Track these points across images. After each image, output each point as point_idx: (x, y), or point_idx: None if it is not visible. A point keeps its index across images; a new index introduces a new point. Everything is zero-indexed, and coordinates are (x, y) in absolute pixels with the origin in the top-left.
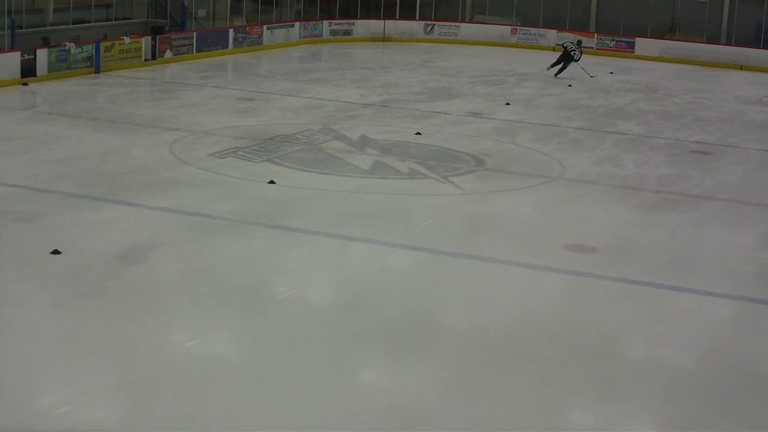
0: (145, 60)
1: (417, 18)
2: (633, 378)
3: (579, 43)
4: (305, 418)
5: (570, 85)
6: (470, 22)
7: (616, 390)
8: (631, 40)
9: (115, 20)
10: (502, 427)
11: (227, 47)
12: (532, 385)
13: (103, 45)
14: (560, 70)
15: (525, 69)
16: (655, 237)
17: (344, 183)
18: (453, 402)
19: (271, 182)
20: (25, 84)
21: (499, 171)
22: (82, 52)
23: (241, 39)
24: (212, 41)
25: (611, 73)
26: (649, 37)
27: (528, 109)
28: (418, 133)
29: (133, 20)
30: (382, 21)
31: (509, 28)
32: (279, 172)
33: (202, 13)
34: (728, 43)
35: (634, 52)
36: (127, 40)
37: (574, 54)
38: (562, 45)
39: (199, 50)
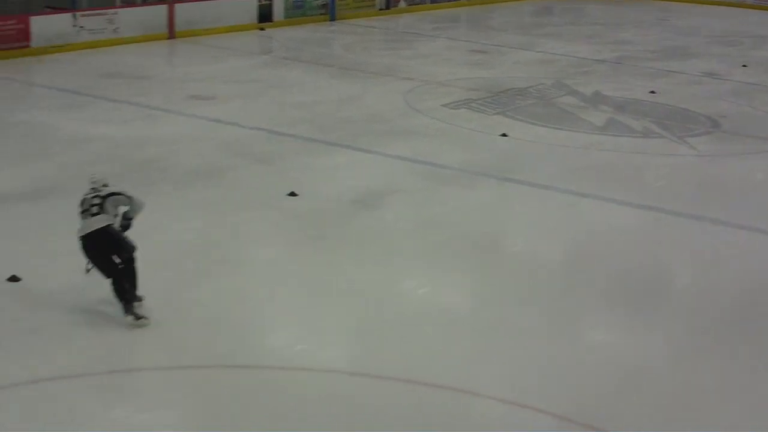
0: (379, 9)
1: None
2: None
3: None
4: (532, 370)
5: None
6: None
7: None
8: None
9: None
10: (725, 393)
11: None
12: (761, 350)
13: None
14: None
15: (762, 31)
16: None
17: (576, 139)
18: (680, 365)
19: (504, 135)
20: (261, 29)
21: (736, 134)
22: None
23: None
24: None
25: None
26: None
27: (766, 72)
28: (653, 92)
29: None
30: None
31: None
32: (511, 125)
33: None
34: None
35: None
36: None
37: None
38: None
39: (433, 1)
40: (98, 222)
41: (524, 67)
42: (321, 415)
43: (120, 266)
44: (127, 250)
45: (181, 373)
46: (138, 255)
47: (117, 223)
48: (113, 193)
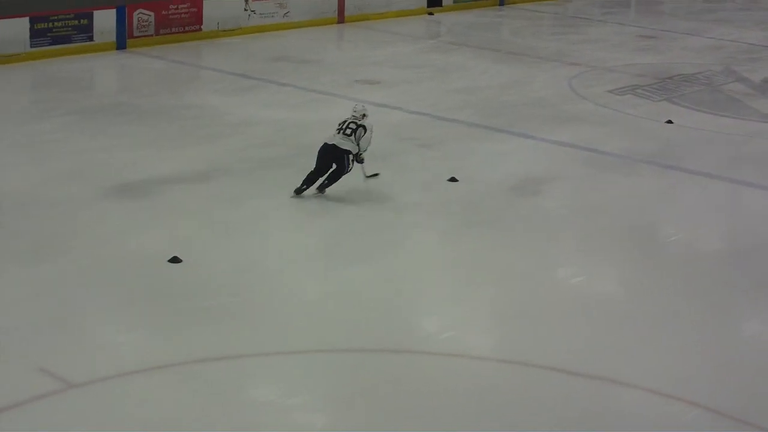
0: None
1: None
2: None
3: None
4: (687, 363)
5: None
6: None
7: None
8: None
9: None
10: None
11: None
12: None
13: None
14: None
15: None
16: None
17: (743, 126)
18: None
19: (669, 122)
20: (430, 14)
21: None
22: None
23: None
24: None
25: None
26: None
27: None
28: None
29: None
30: None
31: None
32: (677, 111)
33: None
34: None
35: None
36: None
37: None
38: None
39: None
40: (343, 144)
41: (693, 53)
42: (469, 402)
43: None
44: (339, 174)
45: (334, 356)
46: (299, 237)
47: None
48: (363, 126)
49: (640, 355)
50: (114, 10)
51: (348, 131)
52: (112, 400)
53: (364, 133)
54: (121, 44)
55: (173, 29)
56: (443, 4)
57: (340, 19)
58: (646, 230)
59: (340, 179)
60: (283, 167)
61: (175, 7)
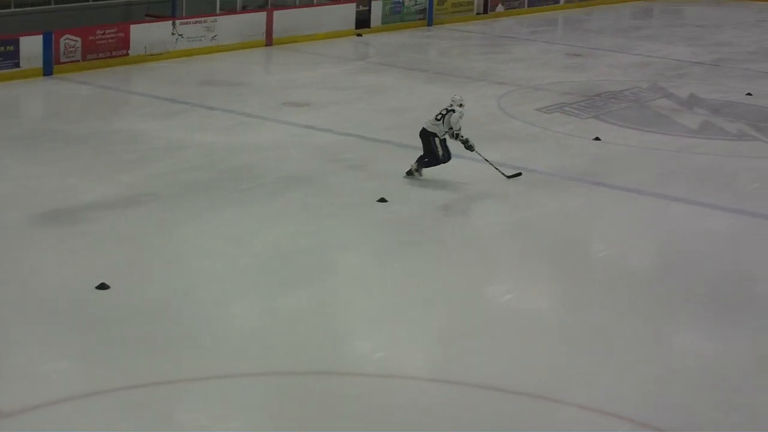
0: (477, 14)
1: None
2: None
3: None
4: (619, 378)
5: None
6: None
7: None
8: None
9: None
10: None
11: (558, 2)
12: None
13: None
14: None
15: None
16: None
17: (671, 142)
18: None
19: (597, 139)
20: (359, 35)
21: None
22: (416, 4)
23: None
24: None
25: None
26: None
27: None
28: (749, 94)
29: None
30: None
31: None
32: (605, 128)
33: None
34: None
35: None
36: None
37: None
38: None
39: (530, 5)
40: (432, 127)
41: (620, 70)
42: (402, 422)
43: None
44: (434, 157)
45: (270, 380)
46: (231, 261)
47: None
48: (452, 110)
49: (572, 371)
50: (41, 36)
51: (438, 116)
52: (43, 429)
53: (450, 115)
54: (47, 70)
55: (100, 54)
56: (372, 26)
57: (269, 41)
58: (576, 247)
59: (438, 165)
60: (212, 191)
61: (102, 32)
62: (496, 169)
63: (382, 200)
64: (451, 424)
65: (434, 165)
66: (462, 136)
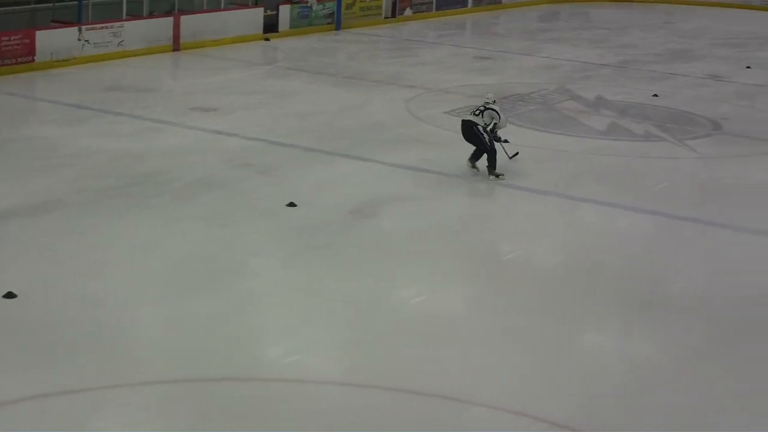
0: (385, 17)
1: None
2: None
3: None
4: (531, 379)
5: None
6: None
7: None
8: None
9: None
10: (733, 396)
11: (466, 6)
12: (766, 356)
13: (344, 2)
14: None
15: (767, 32)
16: None
17: (578, 144)
18: (684, 369)
19: (505, 141)
20: (267, 39)
21: (738, 136)
22: (324, 8)
23: None
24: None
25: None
26: None
27: None
28: (655, 95)
29: None
30: None
31: None
32: (513, 131)
33: None
34: None
35: None
36: None
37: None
38: None
39: (438, 8)
40: (474, 118)
41: (527, 72)
42: (315, 427)
43: (481, 150)
44: (483, 145)
45: (178, 387)
46: (139, 267)
47: (488, 127)
48: (492, 108)
49: (484, 372)
50: None
51: (477, 112)
52: None
53: (496, 114)
54: None
55: (5, 61)
56: (279, 30)
57: (176, 46)
58: (486, 248)
59: (489, 154)
60: (120, 197)
61: (8, 38)
62: (505, 151)
63: (291, 204)
64: (364, 427)
65: (485, 153)
66: (500, 138)
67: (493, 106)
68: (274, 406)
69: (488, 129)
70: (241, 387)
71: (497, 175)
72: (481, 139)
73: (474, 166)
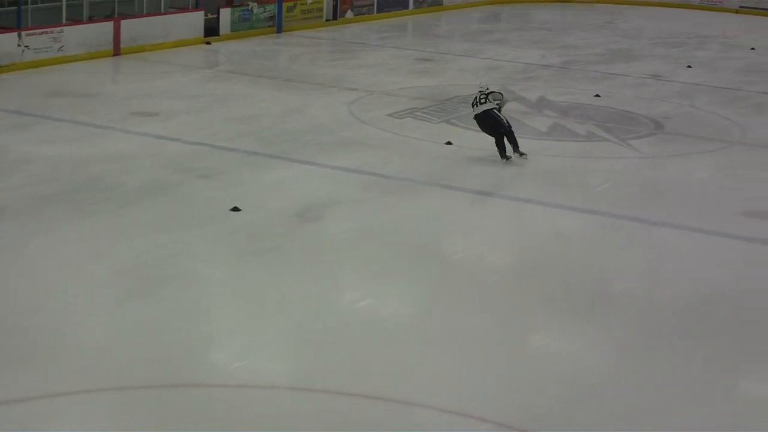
0: (326, 20)
1: None
2: None
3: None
4: (476, 380)
5: (753, 48)
6: None
7: None
8: None
9: None
10: (675, 395)
11: (408, 8)
12: (708, 353)
13: (285, 5)
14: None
15: (706, 31)
16: None
17: (521, 145)
18: (626, 368)
19: (448, 143)
20: (208, 43)
21: (678, 134)
22: (265, 11)
23: (421, 0)
24: (393, 2)
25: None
26: None
27: (709, 72)
28: (597, 95)
29: None
30: None
31: None
32: (456, 132)
33: None
34: None
35: None
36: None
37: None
38: None
39: (379, 11)
40: (483, 107)
41: (470, 74)
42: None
43: (502, 132)
44: (503, 126)
45: (126, 393)
46: (84, 274)
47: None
48: (492, 92)
49: (429, 374)
50: None
51: (482, 100)
52: None
53: (499, 95)
54: None
55: None
56: (220, 34)
57: (116, 51)
58: (431, 250)
59: (509, 135)
60: (63, 204)
61: None
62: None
63: (235, 209)
64: (310, 430)
65: (505, 136)
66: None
67: (493, 89)
68: (220, 412)
69: (499, 107)
70: (188, 393)
71: (521, 153)
72: (500, 121)
73: (509, 156)
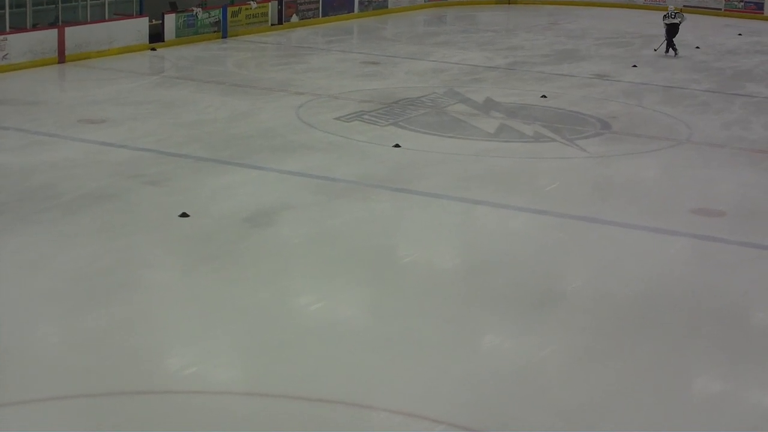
0: (272, 25)
1: None
2: (763, 344)
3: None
4: (429, 381)
5: (698, 47)
6: None
7: (746, 356)
8: (761, 0)
9: None
10: (627, 393)
11: (353, 11)
12: (659, 351)
13: (230, 10)
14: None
15: (652, 31)
16: None
17: (469, 146)
18: (577, 367)
19: (397, 146)
20: (153, 49)
21: (626, 134)
22: (210, 17)
23: (366, 3)
24: (338, 5)
25: (740, 34)
26: None
27: (655, 72)
28: (544, 96)
29: None
30: None
31: None
32: (404, 135)
33: None
34: None
35: (763, 13)
36: (253, 4)
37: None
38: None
39: (325, 14)
40: (675, 19)
41: (416, 76)
42: None
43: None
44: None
45: (77, 402)
46: (31, 284)
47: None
48: (679, 12)
49: (382, 377)
50: None
51: (673, 15)
52: None
53: (682, 16)
54: None
55: None
56: (165, 39)
57: (61, 59)
58: (382, 253)
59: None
60: (8, 213)
61: None
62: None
63: (184, 215)
64: None
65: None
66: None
67: (677, 11)
68: (174, 418)
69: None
70: (141, 400)
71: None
72: (677, 31)
73: (678, 50)
